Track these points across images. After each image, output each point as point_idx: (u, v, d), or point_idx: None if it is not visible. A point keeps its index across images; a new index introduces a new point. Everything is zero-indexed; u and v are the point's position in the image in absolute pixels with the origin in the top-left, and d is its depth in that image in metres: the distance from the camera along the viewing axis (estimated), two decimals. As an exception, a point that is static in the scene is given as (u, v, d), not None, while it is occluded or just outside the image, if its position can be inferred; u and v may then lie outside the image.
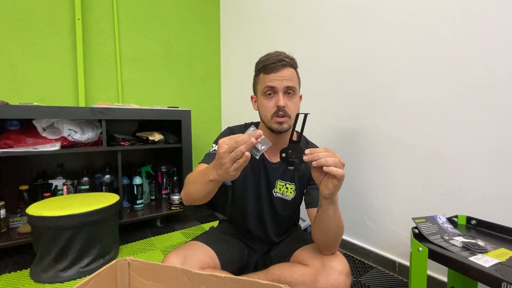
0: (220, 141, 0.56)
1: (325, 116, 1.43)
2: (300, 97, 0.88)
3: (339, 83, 1.37)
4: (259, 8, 1.91)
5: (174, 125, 1.72)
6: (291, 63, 0.80)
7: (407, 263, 1.11)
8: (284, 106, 0.78)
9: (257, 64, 0.83)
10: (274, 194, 0.89)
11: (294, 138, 0.62)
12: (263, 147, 0.58)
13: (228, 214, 1.04)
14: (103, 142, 1.44)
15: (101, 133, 1.48)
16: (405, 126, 1.11)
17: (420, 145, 1.06)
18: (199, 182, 0.67)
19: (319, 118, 1.45)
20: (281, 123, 0.79)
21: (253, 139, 0.52)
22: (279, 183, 0.88)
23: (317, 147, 0.90)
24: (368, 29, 1.23)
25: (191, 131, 1.71)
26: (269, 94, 0.80)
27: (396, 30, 1.12)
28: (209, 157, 0.80)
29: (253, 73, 0.87)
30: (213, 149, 0.84)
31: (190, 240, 0.87)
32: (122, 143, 1.55)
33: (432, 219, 0.81)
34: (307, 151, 0.58)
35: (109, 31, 1.85)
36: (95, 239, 1.15)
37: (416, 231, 0.75)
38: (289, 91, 0.79)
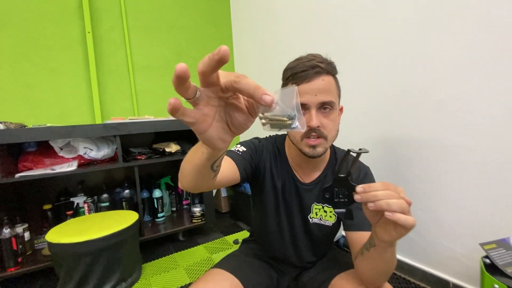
0: None
1: (354, 118, 1.28)
2: (341, 109, 0.72)
3: (367, 79, 1.22)
4: (271, 3, 1.78)
5: (190, 134, 1.65)
6: (328, 69, 0.63)
7: (464, 285, 0.95)
8: (318, 127, 0.62)
9: (285, 71, 0.68)
10: (311, 220, 0.75)
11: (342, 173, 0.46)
12: (290, 111, 0.30)
13: (253, 234, 0.94)
14: (119, 158, 1.40)
15: (117, 148, 1.44)
16: (453, 124, 0.94)
17: (475, 147, 0.89)
18: (192, 150, 0.47)
19: (348, 121, 1.30)
20: (314, 146, 0.64)
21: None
22: (315, 207, 0.75)
23: (373, 179, 0.74)
24: (398, 8, 1.06)
25: (208, 139, 1.63)
26: None
27: (436, 7, 0.95)
28: (230, 152, 0.69)
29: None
30: (235, 148, 0.72)
31: (212, 268, 0.78)
32: (138, 157, 1.50)
33: (504, 243, 0.65)
34: (359, 188, 0.44)
35: (119, 41, 1.81)
36: (115, 263, 1.10)
37: (487, 261, 0.61)
38: (326, 106, 0.63)
